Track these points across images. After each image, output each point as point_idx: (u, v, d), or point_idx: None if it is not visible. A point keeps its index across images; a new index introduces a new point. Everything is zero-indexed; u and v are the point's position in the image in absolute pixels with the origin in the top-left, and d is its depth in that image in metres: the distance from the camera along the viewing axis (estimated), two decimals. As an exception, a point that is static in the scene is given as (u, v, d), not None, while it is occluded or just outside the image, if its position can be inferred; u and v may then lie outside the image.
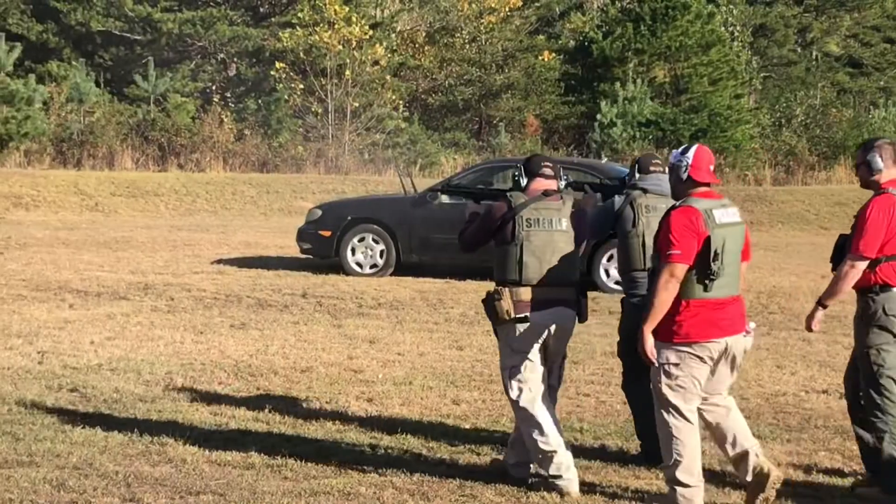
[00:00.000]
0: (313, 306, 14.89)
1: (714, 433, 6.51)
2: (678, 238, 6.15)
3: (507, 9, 43.50)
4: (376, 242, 17.51)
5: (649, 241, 7.01)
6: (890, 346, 6.50)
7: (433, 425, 8.08)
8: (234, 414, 8.24)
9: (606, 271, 16.31)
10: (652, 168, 7.49)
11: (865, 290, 6.44)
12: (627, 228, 7.25)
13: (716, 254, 6.19)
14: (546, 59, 43.77)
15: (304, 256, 17.87)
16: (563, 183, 7.10)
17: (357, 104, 36.10)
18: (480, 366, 10.76)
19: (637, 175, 7.47)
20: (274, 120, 35.86)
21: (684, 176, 6.37)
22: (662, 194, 7.27)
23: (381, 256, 17.39)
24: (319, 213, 18.43)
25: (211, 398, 9.19)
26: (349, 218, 17.53)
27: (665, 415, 6.33)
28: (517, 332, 6.65)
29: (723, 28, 43.47)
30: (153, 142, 34.93)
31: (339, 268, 17.42)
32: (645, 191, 7.34)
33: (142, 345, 11.51)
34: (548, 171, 6.87)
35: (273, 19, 40.67)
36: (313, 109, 36.44)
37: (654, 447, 6.81)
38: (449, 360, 10.81)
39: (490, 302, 6.64)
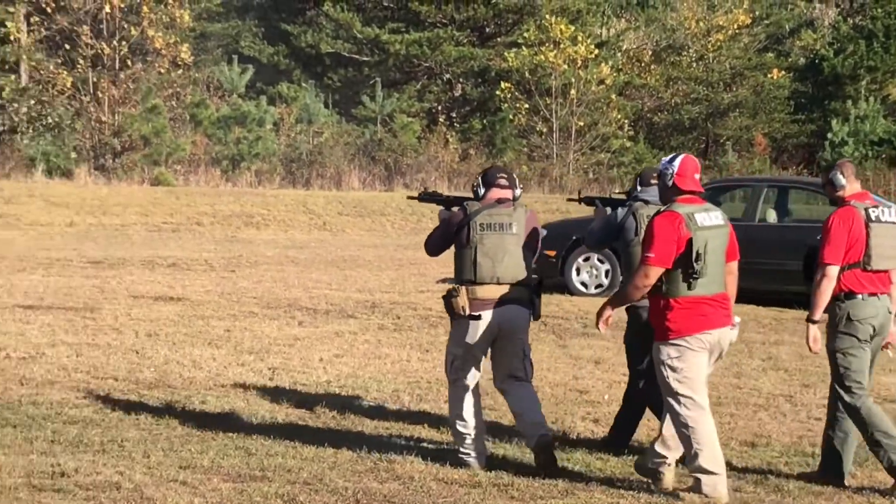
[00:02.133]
0: (538, 326, 14.98)
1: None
2: (657, 243, 6.65)
3: (735, 27, 43.77)
4: (602, 262, 17.49)
5: None
6: (854, 349, 6.89)
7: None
8: (461, 432, 8.35)
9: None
10: (653, 181, 7.91)
11: (833, 297, 6.84)
12: (630, 238, 7.81)
13: (698, 254, 6.63)
14: (775, 77, 43.83)
15: (529, 276, 17.66)
16: (518, 192, 7.72)
17: (582, 123, 36.69)
18: (709, 388, 10.61)
19: (639, 187, 8.07)
20: (498, 139, 36.66)
21: (669, 183, 6.87)
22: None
23: (606, 276, 17.36)
24: (544, 232, 18.29)
25: (437, 416, 9.18)
26: (574, 238, 17.47)
27: (677, 406, 6.73)
28: (469, 327, 7.35)
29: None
30: (379, 162, 35.97)
31: (564, 287, 17.49)
32: (646, 202, 7.83)
33: (369, 363, 11.67)
34: (503, 182, 7.56)
35: (499, 39, 41.49)
36: (538, 129, 37.12)
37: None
38: (677, 382, 10.86)
39: (448, 299, 7.38)
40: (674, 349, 6.81)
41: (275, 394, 10.10)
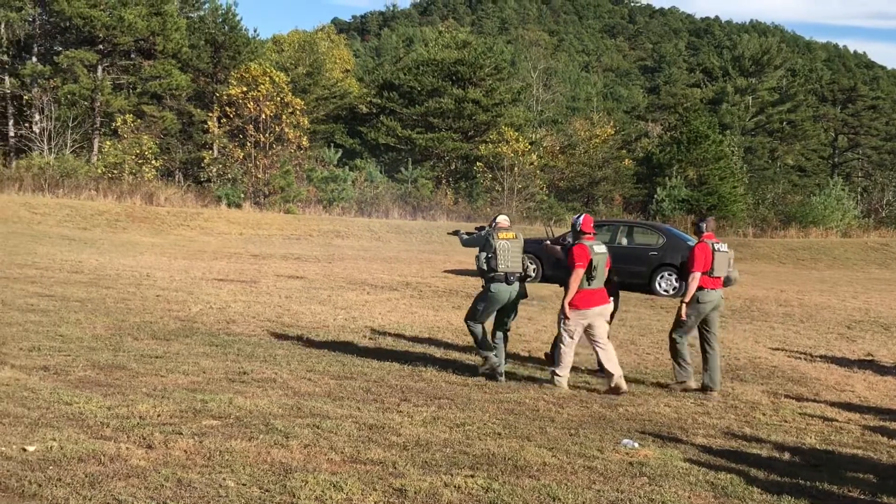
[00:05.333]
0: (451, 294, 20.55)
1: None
2: (579, 257, 10.29)
3: (605, 135, 57.41)
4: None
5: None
6: None
7: None
8: None
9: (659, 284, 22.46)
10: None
11: None
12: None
13: (594, 266, 10.29)
14: (627, 164, 55.37)
15: None
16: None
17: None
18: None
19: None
20: None
21: (578, 229, 10.54)
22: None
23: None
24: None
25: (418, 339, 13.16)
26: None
27: (562, 340, 10.47)
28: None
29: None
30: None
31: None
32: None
33: (405, 316, 15.54)
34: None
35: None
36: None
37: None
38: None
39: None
40: (575, 313, 10.37)
41: (355, 329, 13.55)
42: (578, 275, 10.50)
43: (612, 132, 62.73)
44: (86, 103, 50.95)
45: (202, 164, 52.68)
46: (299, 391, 9.46)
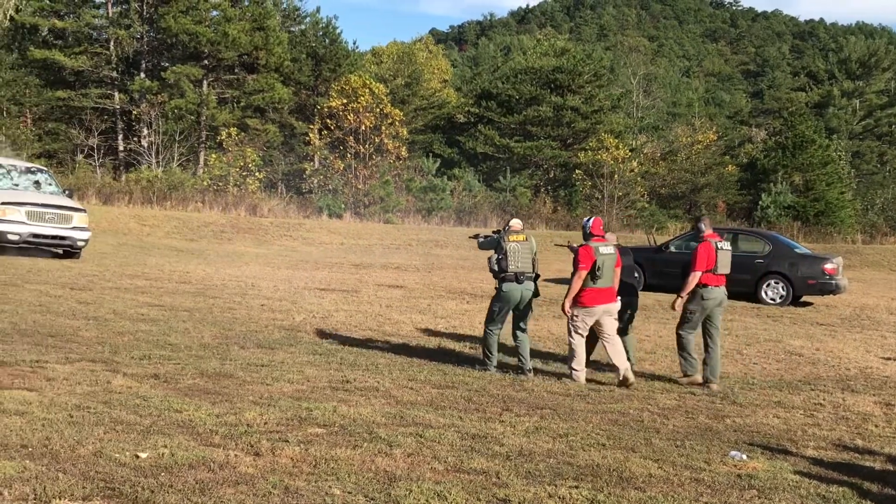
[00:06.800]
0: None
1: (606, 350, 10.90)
2: (583, 259, 11.02)
3: (707, 141, 57.88)
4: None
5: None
6: None
7: None
8: None
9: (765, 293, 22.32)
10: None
11: None
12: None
13: (598, 267, 10.92)
14: (730, 169, 55.91)
15: None
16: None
17: None
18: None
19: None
20: None
21: (588, 231, 11.27)
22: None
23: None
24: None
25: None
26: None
27: (571, 335, 11.12)
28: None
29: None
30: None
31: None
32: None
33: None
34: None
35: None
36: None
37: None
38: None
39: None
40: (578, 310, 10.97)
41: (455, 337, 13.91)
42: (581, 276, 11.12)
43: (715, 138, 62.67)
44: (192, 117, 52.31)
45: (304, 176, 53.85)
46: (401, 400, 9.61)
